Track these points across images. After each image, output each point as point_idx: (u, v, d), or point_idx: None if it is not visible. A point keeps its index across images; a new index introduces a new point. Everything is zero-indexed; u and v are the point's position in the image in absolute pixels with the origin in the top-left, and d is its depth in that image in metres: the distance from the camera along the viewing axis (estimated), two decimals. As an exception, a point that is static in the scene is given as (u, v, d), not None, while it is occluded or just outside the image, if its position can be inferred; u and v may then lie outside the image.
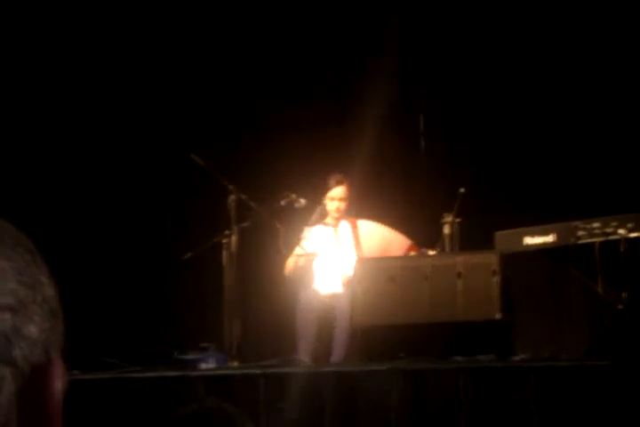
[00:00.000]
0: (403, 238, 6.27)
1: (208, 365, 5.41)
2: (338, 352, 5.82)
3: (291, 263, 6.16)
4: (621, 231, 5.36)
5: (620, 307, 5.27)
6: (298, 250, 6.14)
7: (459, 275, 5.40)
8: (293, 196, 6.12)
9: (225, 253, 5.89)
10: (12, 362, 0.69)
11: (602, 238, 5.40)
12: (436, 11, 7.35)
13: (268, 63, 7.51)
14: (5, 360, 0.69)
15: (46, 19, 7.30)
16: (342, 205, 6.23)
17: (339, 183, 6.22)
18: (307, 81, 7.50)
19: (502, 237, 5.76)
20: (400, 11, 7.39)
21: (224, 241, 5.91)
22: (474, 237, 6.09)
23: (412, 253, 6.20)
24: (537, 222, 5.80)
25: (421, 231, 6.51)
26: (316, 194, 6.27)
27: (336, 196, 6.22)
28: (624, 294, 5.27)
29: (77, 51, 7.36)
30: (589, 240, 5.45)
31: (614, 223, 5.42)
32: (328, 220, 6.29)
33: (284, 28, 7.48)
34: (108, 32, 7.40)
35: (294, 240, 6.19)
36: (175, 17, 7.51)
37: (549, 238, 5.65)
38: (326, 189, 6.23)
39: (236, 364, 5.60)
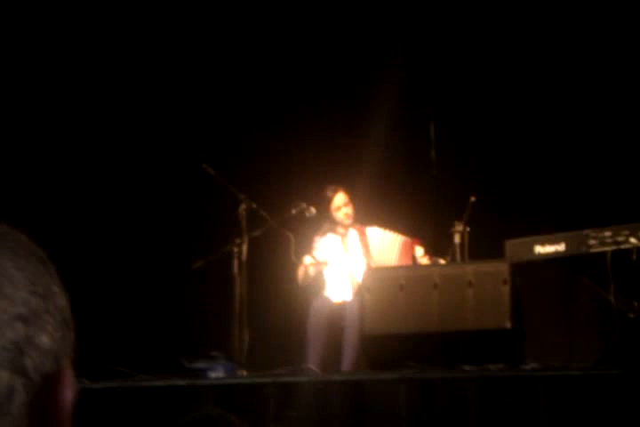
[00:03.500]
0: (404, 238, 6.26)
1: (217, 374, 5.41)
2: (347, 361, 5.81)
3: (301, 273, 6.16)
4: (633, 240, 5.35)
5: (632, 316, 5.26)
6: (307, 259, 6.15)
7: (469, 284, 5.39)
8: (304, 205, 6.13)
9: (235, 262, 5.90)
10: (24, 372, 0.69)
11: (613, 247, 5.38)
12: (445, 19, 7.35)
13: (280, 75, 7.53)
14: (17, 370, 0.69)
15: (62, 26, 7.33)
16: (350, 210, 6.24)
17: (336, 191, 6.23)
18: (317, 90, 7.51)
19: (513, 246, 5.75)
20: (409, 19, 7.39)
21: (235, 250, 5.92)
22: (484, 246, 6.08)
23: (417, 248, 6.19)
24: (547, 231, 5.79)
25: (431, 240, 6.50)
26: (323, 205, 6.25)
27: (340, 203, 6.23)
28: (635, 303, 5.25)
29: (91, 59, 7.39)
30: (601, 249, 5.43)
31: (626, 232, 5.40)
32: (339, 229, 6.29)
33: (293, 40, 7.49)
34: (121, 41, 7.43)
35: (305, 249, 6.20)
36: (188, 28, 7.52)
37: (560, 247, 5.63)
38: (327, 201, 6.23)
39: (244, 373, 5.60)
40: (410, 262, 6.15)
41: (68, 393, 0.73)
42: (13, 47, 7.16)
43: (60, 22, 7.32)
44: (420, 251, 6.19)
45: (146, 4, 7.56)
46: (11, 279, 0.70)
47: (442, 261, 6.05)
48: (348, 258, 6.24)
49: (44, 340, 0.70)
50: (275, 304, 6.90)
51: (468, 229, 6.04)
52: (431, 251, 6.26)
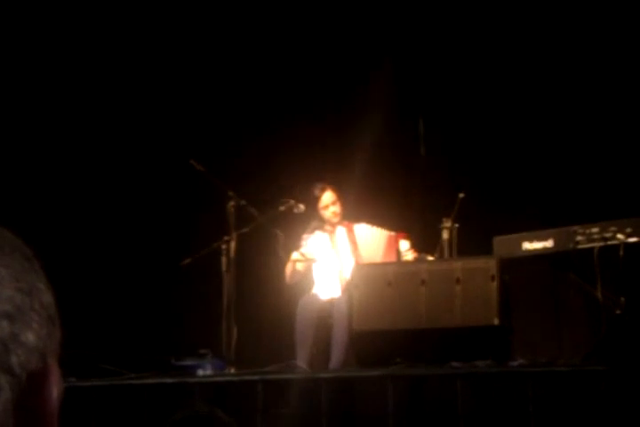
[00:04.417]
0: (389, 233, 6.26)
1: (206, 371, 5.40)
2: (336, 358, 5.81)
3: (288, 270, 6.17)
4: (620, 236, 5.36)
5: (619, 312, 5.27)
6: (294, 255, 6.15)
7: (457, 280, 5.39)
8: (292, 202, 6.13)
9: (224, 259, 5.90)
10: (9, 369, 0.69)
11: (600, 243, 5.40)
12: (433, 16, 7.36)
13: (269, 70, 7.52)
14: (2, 367, 0.68)
15: (55, 26, 7.30)
16: (337, 208, 6.25)
17: (323, 190, 6.23)
18: (306, 87, 7.51)
19: (501, 243, 5.77)
20: (397, 15, 7.39)
21: (223, 247, 5.91)
22: (472, 243, 6.09)
23: (402, 242, 6.19)
24: (535, 227, 5.80)
25: (420, 236, 6.50)
26: (311, 204, 6.25)
27: (328, 201, 6.23)
28: (622, 299, 5.27)
29: (81, 56, 7.37)
30: (588, 245, 5.45)
31: (613, 228, 5.42)
32: (327, 227, 6.30)
33: (281, 36, 7.49)
34: (111, 38, 7.41)
35: (293, 246, 6.20)
36: (179, 25, 7.51)
37: (548, 243, 5.65)
38: (315, 200, 6.23)
39: (233, 370, 5.60)
40: (395, 257, 6.16)
41: (54, 391, 0.72)
42: (12, 46, 7.14)
43: (56, 20, 7.29)
44: (405, 245, 6.19)
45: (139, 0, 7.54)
46: (-5, 276, 0.70)
47: (430, 258, 6.06)
48: (336, 255, 6.24)
49: (30, 337, 0.70)
50: (263, 301, 6.90)
51: (456, 225, 6.04)
52: (419, 247, 6.26)
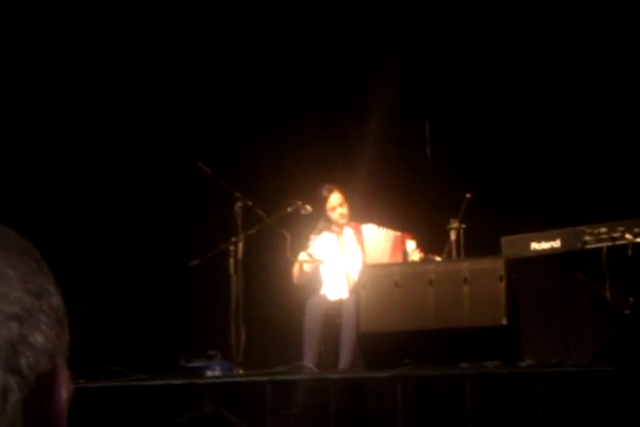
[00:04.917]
0: (395, 233, 6.26)
1: (214, 372, 5.41)
2: (345, 359, 5.81)
3: (296, 271, 6.17)
4: (628, 236, 5.36)
5: (627, 312, 5.26)
6: (302, 256, 6.15)
7: (465, 280, 5.39)
8: (299, 203, 6.13)
9: (231, 261, 5.90)
10: (18, 371, 0.69)
11: (609, 243, 5.39)
12: (439, 17, 7.36)
13: (274, 74, 7.52)
14: (11, 369, 0.68)
15: (56, 26, 7.32)
16: (345, 210, 6.25)
17: (331, 191, 6.23)
18: (313, 89, 7.51)
19: (508, 243, 5.76)
20: (403, 18, 7.39)
21: (231, 248, 5.92)
22: (480, 243, 6.09)
23: (408, 242, 6.19)
24: (543, 227, 5.79)
25: (427, 237, 6.50)
26: (319, 204, 6.25)
27: (335, 203, 6.23)
28: (631, 299, 5.26)
29: (87, 58, 7.38)
30: (596, 245, 5.44)
31: (621, 228, 5.41)
32: (334, 227, 6.30)
33: (286, 39, 7.49)
34: (117, 39, 7.42)
35: (301, 247, 6.20)
36: (184, 26, 7.52)
37: (556, 244, 5.64)
38: (323, 201, 6.23)
39: (242, 371, 5.60)
40: (401, 257, 6.16)
41: (64, 392, 0.72)
42: (13, 46, 7.15)
43: (57, 20, 7.31)
44: (411, 245, 6.19)
45: (143, 1, 7.55)
46: (4, 278, 0.70)
47: (437, 258, 6.06)
48: (344, 256, 6.24)
49: (39, 339, 0.70)
50: (271, 302, 6.90)
51: (463, 225, 6.04)
52: (427, 248, 6.26)
